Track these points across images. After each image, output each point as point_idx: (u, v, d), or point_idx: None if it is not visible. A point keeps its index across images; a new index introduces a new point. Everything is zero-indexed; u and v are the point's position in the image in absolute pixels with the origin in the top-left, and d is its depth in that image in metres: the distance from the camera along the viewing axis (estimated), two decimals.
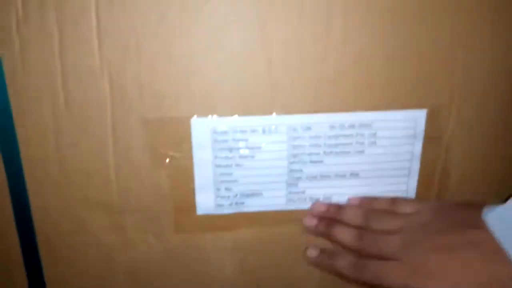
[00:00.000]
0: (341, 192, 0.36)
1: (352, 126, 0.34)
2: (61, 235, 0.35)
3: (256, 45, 0.31)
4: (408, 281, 0.28)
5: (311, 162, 0.35)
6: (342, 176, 0.35)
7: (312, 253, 0.36)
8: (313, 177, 0.35)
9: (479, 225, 0.28)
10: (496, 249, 0.26)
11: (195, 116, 0.32)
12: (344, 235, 0.33)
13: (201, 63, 0.31)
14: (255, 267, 0.38)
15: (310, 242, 0.37)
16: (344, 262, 0.33)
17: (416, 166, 0.36)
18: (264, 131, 0.33)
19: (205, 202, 0.35)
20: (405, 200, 0.34)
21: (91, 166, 0.34)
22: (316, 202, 0.36)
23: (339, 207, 0.35)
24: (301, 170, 0.35)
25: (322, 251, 0.36)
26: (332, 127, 0.34)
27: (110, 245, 0.36)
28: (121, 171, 0.34)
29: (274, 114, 0.33)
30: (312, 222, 0.35)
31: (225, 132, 0.33)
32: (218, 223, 0.36)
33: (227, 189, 0.35)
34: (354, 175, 0.35)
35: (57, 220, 0.35)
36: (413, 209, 0.32)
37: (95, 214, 0.35)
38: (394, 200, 0.34)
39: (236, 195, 0.35)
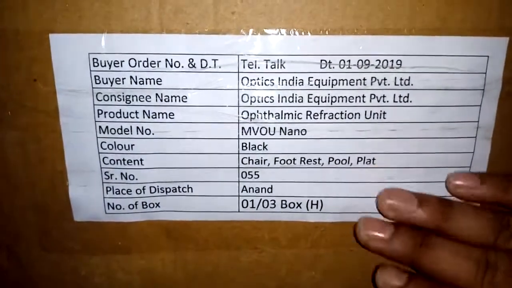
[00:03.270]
0: (343, 194, 0.19)
1: (363, 64, 0.18)
2: None
3: None
4: None
5: (284, 131, 0.18)
6: (342, 162, 0.19)
7: (392, 279, 0.17)
8: (288, 161, 0.19)
9: None
10: None
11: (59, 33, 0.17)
12: (460, 267, 0.16)
13: None
14: None
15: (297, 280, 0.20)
16: None
17: (484, 149, 0.19)
18: (192, 66, 0.18)
19: (86, 199, 0.19)
20: None
21: None
22: (392, 189, 0.18)
23: (446, 203, 0.17)
24: (264, 146, 0.19)
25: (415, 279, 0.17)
26: (324, 63, 0.18)
27: None
28: None
29: (211, 33, 0.17)
30: (383, 231, 0.17)
31: (117, 64, 0.17)
32: (114, 239, 0.20)
33: (124, 176, 0.19)
34: (366, 160, 0.19)
35: None
36: None
37: None
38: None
39: (143, 188, 0.19)
